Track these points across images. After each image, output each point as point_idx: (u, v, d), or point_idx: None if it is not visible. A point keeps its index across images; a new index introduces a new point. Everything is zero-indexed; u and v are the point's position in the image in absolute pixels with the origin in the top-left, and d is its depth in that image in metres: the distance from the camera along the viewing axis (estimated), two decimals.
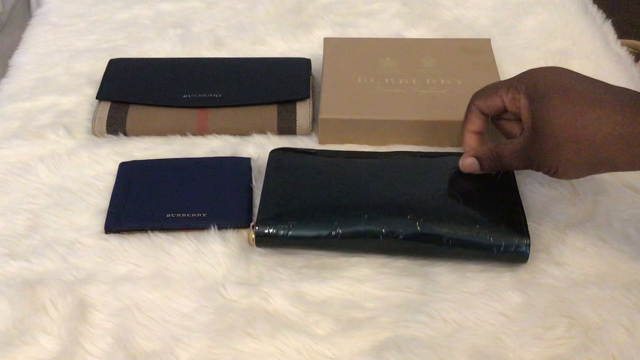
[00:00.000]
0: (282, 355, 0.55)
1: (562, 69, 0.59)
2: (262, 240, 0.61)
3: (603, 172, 0.56)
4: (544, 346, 0.55)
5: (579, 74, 0.59)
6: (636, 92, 0.55)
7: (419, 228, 0.60)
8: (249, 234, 0.61)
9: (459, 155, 0.65)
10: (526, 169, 0.60)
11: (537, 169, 0.59)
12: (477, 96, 0.64)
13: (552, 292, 0.59)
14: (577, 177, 0.58)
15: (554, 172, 0.57)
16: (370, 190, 0.63)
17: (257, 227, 0.60)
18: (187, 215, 0.64)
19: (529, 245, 0.59)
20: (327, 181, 0.64)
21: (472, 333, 0.56)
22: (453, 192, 0.63)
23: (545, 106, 0.56)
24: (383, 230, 0.60)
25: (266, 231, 0.60)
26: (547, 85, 0.57)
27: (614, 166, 0.55)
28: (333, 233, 0.60)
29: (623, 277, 0.60)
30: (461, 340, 0.56)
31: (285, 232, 0.60)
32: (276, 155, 0.68)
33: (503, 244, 0.59)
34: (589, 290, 0.59)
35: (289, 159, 0.67)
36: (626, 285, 0.59)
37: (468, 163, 0.63)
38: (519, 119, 0.62)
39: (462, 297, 0.59)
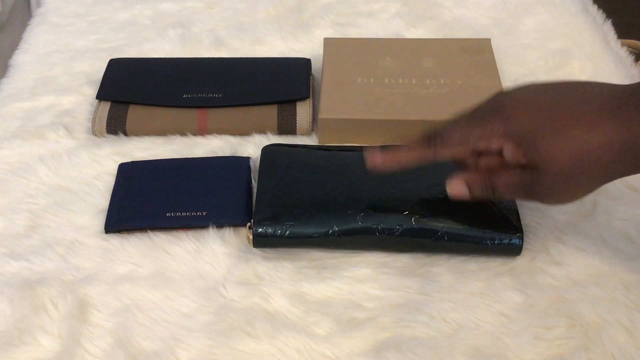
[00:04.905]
0: (282, 355, 0.55)
1: (533, 89, 0.55)
2: (260, 241, 0.61)
3: (607, 183, 0.54)
4: (544, 346, 0.55)
5: (548, 85, 0.55)
6: (609, 87, 0.53)
7: (414, 223, 0.60)
8: (247, 233, 0.61)
9: None
10: (522, 200, 0.58)
11: (538, 202, 0.56)
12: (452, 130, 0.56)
13: (552, 292, 0.59)
14: (582, 197, 0.55)
15: (560, 202, 0.55)
16: (364, 186, 0.63)
17: (253, 228, 0.61)
18: (187, 214, 0.64)
19: (521, 237, 0.60)
20: (321, 178, 0.64)
21: (472, 333, 0.56)
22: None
23: (540, 145, 0.52)
24: (379, 227, 0.60)
25: (263, 231, 0.60)
26: (530, 120, 0.52)
27: (620, 176, 0.53)
28: (330, 231, 0.60)
29: (623, 277, 0.60)
30: (461, 340, 0.56)
31: (282, 232, 0.60)
32: (269, 152, 0.68)
33: (497, 237, 0.60)
34: (589, 290, 0.59)
35: (281, 156, 0.67)
36: (626, 285, 0.59)
37: (456, 188, 0.58)
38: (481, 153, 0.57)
39: (462, 297, 0.59)
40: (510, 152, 0.53)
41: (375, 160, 0.59)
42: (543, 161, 0.52)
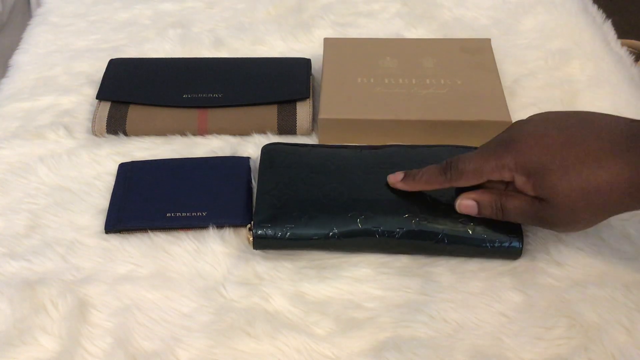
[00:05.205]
0: (282, 355, 0.55)
1: (545, 121, 0.56)
2: (260, 243, 0.61)
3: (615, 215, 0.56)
4: (544, 346, 0.55)
5: (561, 118, 0.56)
6: (621, 123, 0.54)
7: (414, 226, 0.60)
8: (247, 235, 0.61)
9: (452, 147, 0.66)
10: (531, 225, 0.61)
11: (546, 228, 0.59)
12: (463, 174, 0.58)
13: (552, 292, 0.59)
14: (591, 227, 0.57)
15: (566, 231, 0.57)
16: (365, 187, 0.63)
17: (253, 230, 0.61)
18: (187, 214, 0.64)
19: (521, 241, 0.60)
20: (322, 178, 0.64)
21: (472, 333, 0.56)
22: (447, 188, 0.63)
23: (549, 180, 0.54)
24: (379, 230, 0.60)
25: (263, 233, 0.60)
26: (539, 155, 0.54)
27: (627, 210, 0.54)
28: (330, 234, 0.60)
29: (623, 277, 0.60)
30: (461, 340, 0.56)
31: (283, 234, 0.60)
32: (268, 151, 0.68)
33: (497, 240, 0.60)
34: (589, 290, 0.59)
35: (281, 156, 0.67)
36: (626, 285, 0.59)
37: (466, 205, 0.59)
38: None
39: (462, 297, 0.59)
40: (520, 184, 0.56)
41: (397, 184, 0.62)
42: (550, 195, 0.54)
